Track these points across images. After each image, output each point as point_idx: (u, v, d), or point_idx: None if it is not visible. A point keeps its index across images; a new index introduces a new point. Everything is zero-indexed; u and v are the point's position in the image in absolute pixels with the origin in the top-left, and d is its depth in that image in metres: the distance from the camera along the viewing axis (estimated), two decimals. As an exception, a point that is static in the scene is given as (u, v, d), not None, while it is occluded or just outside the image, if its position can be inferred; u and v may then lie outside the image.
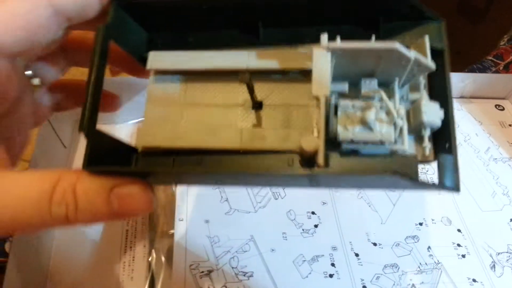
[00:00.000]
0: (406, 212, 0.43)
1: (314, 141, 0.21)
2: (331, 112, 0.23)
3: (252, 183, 0.26)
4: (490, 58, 0.60)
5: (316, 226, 0.41)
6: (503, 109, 0.54)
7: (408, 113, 0.23)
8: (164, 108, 0.26)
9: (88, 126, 0.21)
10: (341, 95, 0.23)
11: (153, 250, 0.40)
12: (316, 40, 0.22)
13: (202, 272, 0.37)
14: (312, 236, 0.40)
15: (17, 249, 0.34)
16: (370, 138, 0.21)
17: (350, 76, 0.23)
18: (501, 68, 0.59)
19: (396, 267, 0.39)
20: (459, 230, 0.42)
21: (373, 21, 0.25)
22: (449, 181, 0.22)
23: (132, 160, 0.25)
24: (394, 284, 0.38)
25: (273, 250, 0.39)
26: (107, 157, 0.23)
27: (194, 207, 0.42)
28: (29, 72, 0.28)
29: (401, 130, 0.22)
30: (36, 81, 0.29)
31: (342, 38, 0.20)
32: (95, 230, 0.41)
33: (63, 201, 0.20)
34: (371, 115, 0.21)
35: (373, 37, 0.23)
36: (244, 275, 0.37)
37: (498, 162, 0.49)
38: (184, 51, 0.26)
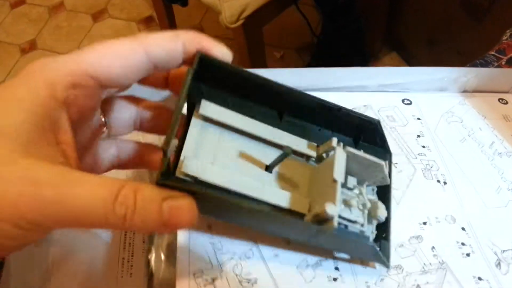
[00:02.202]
0: (410, 211, 0.42)
1: (335, 210, 0.30)
2: None
3: (266, 229, 0.38)
4: (493, 53, 0.59)
5: (319, 229, 0.41)
6: (507, 102, 0.54)
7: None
8: (201, 145, 0.34)
9: (168, 149, 0.27)
10: None
11: (152, 247, 0.40)
12: (318, 137, 0.38)
13: (206, 280, 0.37)
14: (315, 240, 0.40)
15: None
16: (349, 217, 0.33)
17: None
18: (503, 62, 0.59)
19: (400, 268, 0.39)
20: (463, 229, 0.42)
21: (357, 137, 0.39)
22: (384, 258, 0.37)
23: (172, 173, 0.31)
24: (398, 286, 0.38)
25: (276, 255, 0.39)
26: None
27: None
28: (102, 119, 0.33)
29: (364, 218, 0.34)
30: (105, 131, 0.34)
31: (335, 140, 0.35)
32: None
33: (124, 202, 0.24)
34: (354, 202, 0.34)
35: (361, 151, 0.35)
36: (248, 282, 0.37)
37: (503, 156, 0.48)
38: (226, 109, 0.35)
